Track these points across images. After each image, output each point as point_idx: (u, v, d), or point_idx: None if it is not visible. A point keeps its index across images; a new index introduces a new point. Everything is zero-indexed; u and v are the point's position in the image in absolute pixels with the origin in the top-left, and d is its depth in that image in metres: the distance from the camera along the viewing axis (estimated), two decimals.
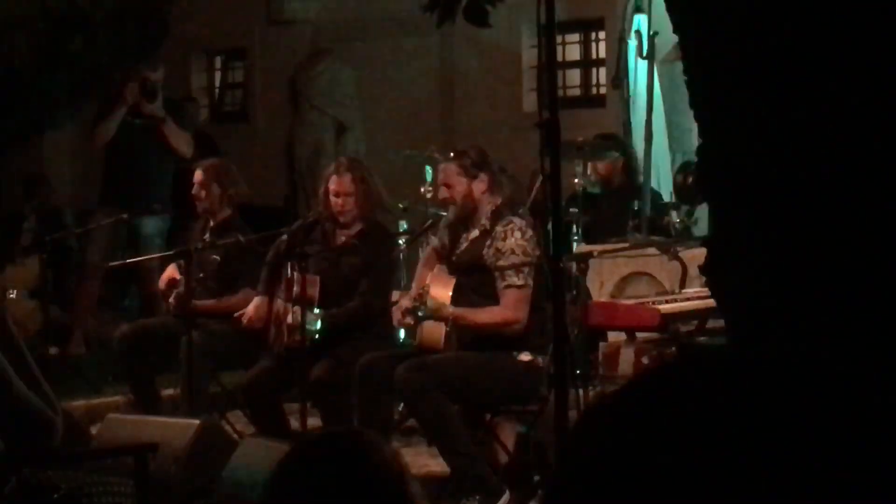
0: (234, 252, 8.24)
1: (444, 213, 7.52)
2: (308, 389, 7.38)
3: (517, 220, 6.94)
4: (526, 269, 6.82)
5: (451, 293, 6.93)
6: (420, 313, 6.87)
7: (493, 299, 6.87)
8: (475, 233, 7.00)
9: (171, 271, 8.40)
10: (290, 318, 7.51)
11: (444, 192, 7.12)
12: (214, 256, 8.34)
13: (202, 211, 8.59)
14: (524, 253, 6.82)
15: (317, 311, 7.53)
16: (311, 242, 7.84)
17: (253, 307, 7.86)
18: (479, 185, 7.00)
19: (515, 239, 6.84)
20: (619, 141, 10.24)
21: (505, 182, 7.30)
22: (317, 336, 7.44)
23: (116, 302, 10.94)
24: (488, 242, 6.90)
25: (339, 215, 7.72)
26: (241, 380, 7.93)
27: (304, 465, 2.28)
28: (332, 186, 7.75)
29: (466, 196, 7.00)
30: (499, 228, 6.90)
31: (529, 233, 6.88)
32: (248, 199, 8.85)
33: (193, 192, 8.57)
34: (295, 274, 7.42)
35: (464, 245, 7.06)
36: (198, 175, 8.62)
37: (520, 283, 6.80)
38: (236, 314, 7.92)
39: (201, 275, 8.25)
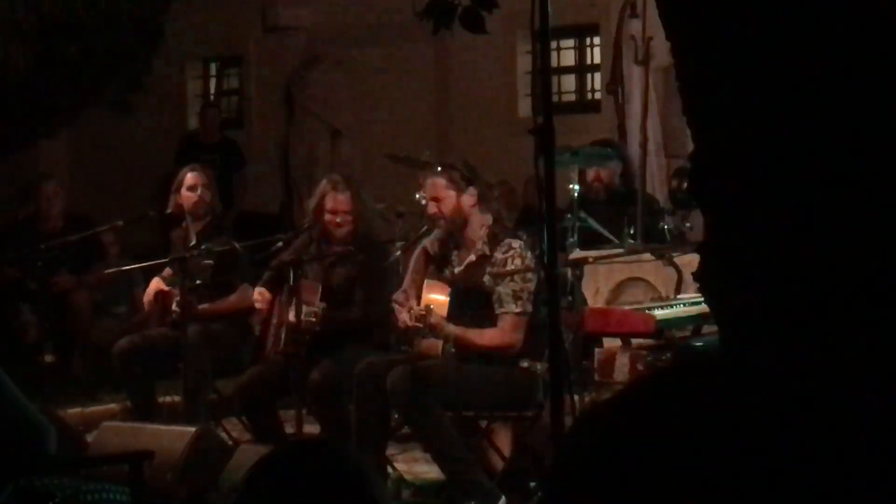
0: (227, 256, 8.22)
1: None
2: (306, 394, 7.39)
3: (517, 245, 6.90)
4: (525, 295, 6.82)
5: (447, 300, 6.94)
6: (422, 335, 6.89)
7: (488, 321, 6.88)
8: (472, 256, 6.97)
9: (158, 283, 8.38)
10: (290, 316, 7.49)
11: (432, 207, 7.07)
12: (207, 261, 8.29)
13: (201, 213, 8.49)
14: (524, 279, 6.81)
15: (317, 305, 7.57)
16: (306, 251, 7.87)
17: (258, 295, 7.82)
18: (468, 199, 6.97)
19: (516, 266, 6.83)
20: (616, 147, 10.24)
21: (493, 198, 7.28)
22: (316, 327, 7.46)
23: (110, 309, 10.91)
24: (488, 268, 6.88)
25: (336, 229, 7.72)
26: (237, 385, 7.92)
27: (267, 478, 2.31)
28: (330, 204, 7.72)
29: (455, 210, 6.97)
30: (499, 255, 6.88)
31: (529, 256, 6.84)
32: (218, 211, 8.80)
33: (198, 193, 8.45)
34: (296, 281, 7.43)
35: (458, 265, 7.04)
36: (198, 177, 8.51)
37: (517, 310, 6.81)
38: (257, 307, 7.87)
39: (198, 281, 8.22)
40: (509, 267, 6.84)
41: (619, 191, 10.06)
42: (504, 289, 6.82)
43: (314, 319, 7.46)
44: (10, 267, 10.18)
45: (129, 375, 8.28)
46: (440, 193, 7.01)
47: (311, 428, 7.63)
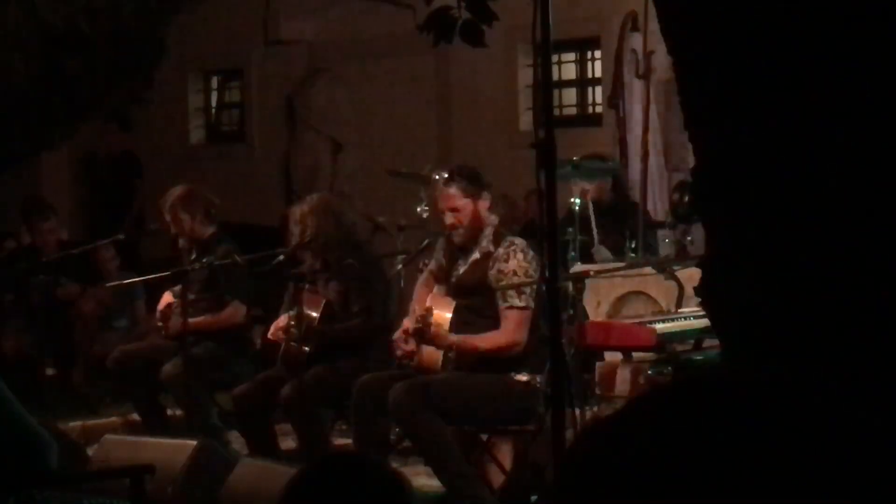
0: (221, 270, 8.27)
1: (440, 234, 7.50)
2: (289, 406, 7.45)
3: (519, 242, 6.93)
4: (527, 290, 6.82)
5: (450, 316, 6.93)
6: (423, 335, 6.87)
7: (492, 321, 6.88)
8: (476, 255, 6.98)
9: (168, 297, 8.44)
10: (290, 322, 7.56)
11: (450, 218, 7.01)
12: (202, 275, 8.36)
13: (186, 239, 8.58)
14: (526, 274, 6.82)
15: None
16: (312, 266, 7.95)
17: (276, 330, 7.92)
18: (484, 204, 6.99)
19: (518, 260, 6.84)
20: (607, 161, 10.21)
21: (498, 200, 7.32)
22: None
23: (111, 322, 10.91)
24: (491, 264, 6.89)
25: (310, 245, 7.86)
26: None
27: (308, 490, 2.30)
28: (298, 228, 7.91)
29: (474, 217, 6.97)
30: (501, 250, 6.89)
31: (531, 254, 6.87)
32: (219, 210, 8.83)
33: (173, 228, 8.58)
34: (298, 294, 7.47)
35: (463, 267, 7.04)
36: (166, 214, 8.60)
37: (521, 304, 6.81)
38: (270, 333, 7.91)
39: (191, 296, 8.24)
40: (511, 262, 6.84)
41: (609, 205, 10.01)
42: (507, 282, 6.83)
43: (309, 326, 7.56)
44: (8, 291, 10.22)
45: (124, 386, 8.40)
46: (457, 203, 6.96)
47: None
